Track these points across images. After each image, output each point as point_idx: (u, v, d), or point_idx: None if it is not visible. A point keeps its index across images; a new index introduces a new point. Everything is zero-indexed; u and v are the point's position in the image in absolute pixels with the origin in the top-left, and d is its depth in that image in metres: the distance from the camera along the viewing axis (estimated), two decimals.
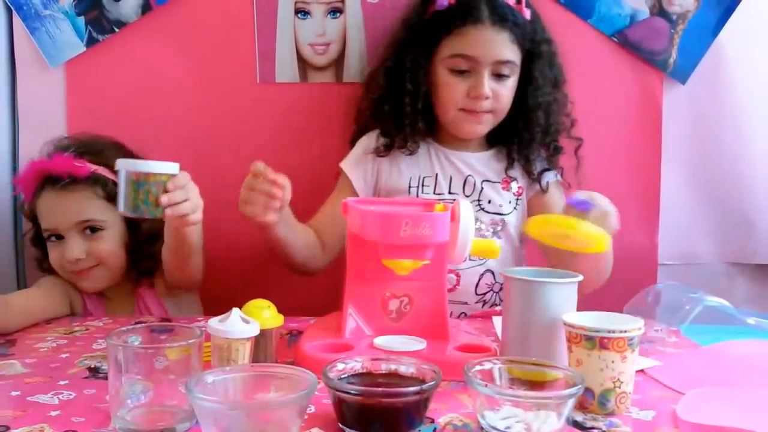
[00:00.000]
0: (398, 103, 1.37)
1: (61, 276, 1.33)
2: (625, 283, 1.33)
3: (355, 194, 1.40)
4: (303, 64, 1.55)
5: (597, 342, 0.81)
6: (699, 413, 0.80)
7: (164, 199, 1.02)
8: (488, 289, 1.39)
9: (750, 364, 1.02)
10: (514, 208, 1.41)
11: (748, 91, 1.58)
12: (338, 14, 1.54)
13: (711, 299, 1.27)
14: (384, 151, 1.40)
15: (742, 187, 1.61)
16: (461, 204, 0.97)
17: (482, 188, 1.39)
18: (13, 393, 0.87)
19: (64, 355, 1.03)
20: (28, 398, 0.85)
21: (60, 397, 0.85)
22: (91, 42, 1.53)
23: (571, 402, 0.74)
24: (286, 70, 1.55)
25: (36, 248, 1.38)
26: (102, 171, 1.29)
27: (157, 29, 1.53)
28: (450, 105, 1.35)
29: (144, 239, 1.33)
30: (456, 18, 1.32)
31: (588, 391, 0.81)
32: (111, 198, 1.28)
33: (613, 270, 1.34)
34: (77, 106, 1.54)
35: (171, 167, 1.04)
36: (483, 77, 1.31)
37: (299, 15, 1.54)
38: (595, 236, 0.97)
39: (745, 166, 1.60)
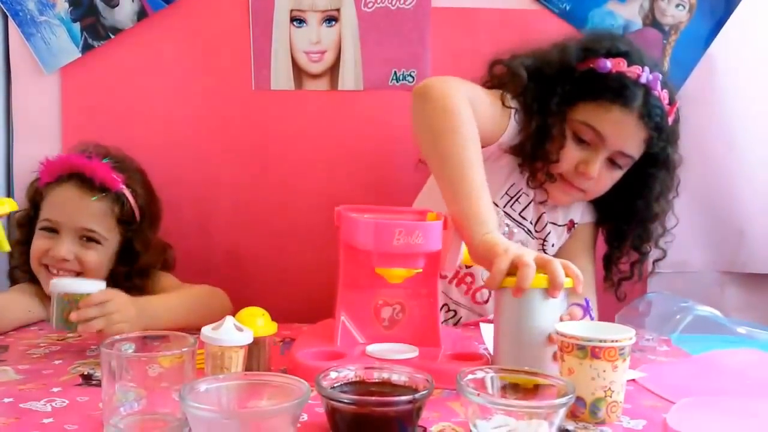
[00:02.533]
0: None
1: (32, 277, 1.31)
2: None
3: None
4: (298, 71, 1.55)
5: (589, 351, 0.82)
6: (689, 422, 0.81)
7: (73, 315, 1.04)
8: None
9: (740, 373, 1.03)
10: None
11: (740, 102, 1.59)
12: (333, 22, 1.54)
13: (701, 308, 1.28)
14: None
15: (733, 196, 1.61)
16: None
17: (549, 231, 1.36)
18: (6, 400, 0.87)
19: (57, 362, 1.03)
20: (21, 405, 0.85)
21: (53, 404, 0.85)
22: (86, 48, 1.53)
23: (562, 411, 0.74)
24: (281, 77, 1.55)
25: (19, 230, 1.35)
26: (128, 193, 1.32)
27: (152, 36, 1.53)
28: (555, 167, 1.27)
29: (130, 270, 1.33)
30: (608, 90, 1.22)
31: (579, 400, 0.81)
32: (121, 221, 1.32)
33: (604, 279, 1.37)
34: (72, 112, 1.55)
35: (90, 286, 1.08)
36: (598, 158, 1.24)
37: (294, 23, 1.54)
38: None
39: (736, 176, 1.61)
